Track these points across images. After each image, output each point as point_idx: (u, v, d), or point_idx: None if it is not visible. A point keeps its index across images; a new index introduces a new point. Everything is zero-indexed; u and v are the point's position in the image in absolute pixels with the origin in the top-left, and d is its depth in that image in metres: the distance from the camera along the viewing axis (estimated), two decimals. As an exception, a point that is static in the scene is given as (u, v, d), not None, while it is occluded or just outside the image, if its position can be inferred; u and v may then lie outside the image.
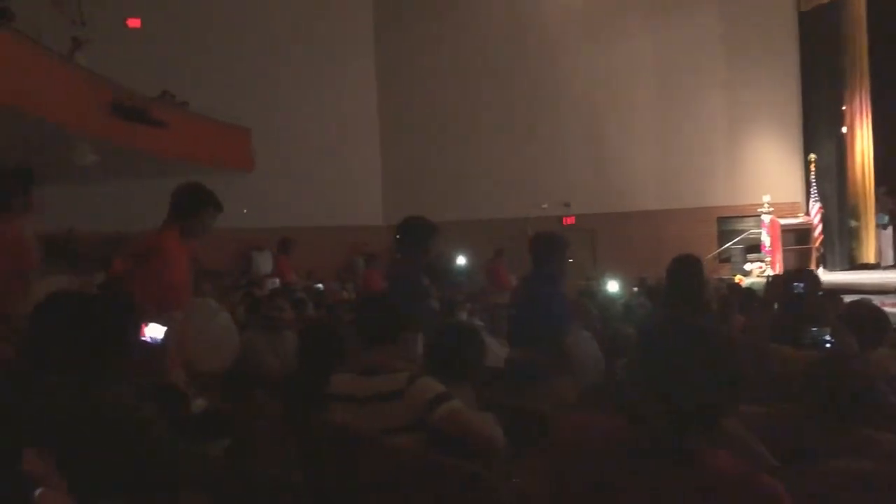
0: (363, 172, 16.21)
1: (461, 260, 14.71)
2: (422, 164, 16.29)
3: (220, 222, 4.19)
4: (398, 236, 4.58)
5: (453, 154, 16.12)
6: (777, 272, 12.86)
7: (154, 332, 3.06)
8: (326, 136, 15.41)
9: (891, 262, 14.29)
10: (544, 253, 4.76)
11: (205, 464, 2.43)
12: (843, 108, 14.79)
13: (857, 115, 14.65)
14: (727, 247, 15.36)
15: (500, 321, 6.87)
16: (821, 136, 15.29)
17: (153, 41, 13.88)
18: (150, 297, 3.64)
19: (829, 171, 14.94)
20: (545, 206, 15.78)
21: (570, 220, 15.95)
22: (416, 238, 4.50)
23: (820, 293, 5.02)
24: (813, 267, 14.01)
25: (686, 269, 4.52)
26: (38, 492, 1.81)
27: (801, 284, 4.58)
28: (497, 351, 5.13)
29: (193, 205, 4.01)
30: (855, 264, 14.69)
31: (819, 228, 14.50)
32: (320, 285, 9.44)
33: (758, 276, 13.40)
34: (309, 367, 3.29)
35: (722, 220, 15.96)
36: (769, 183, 15.27)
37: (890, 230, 14.39)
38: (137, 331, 2.44)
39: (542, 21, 16.14)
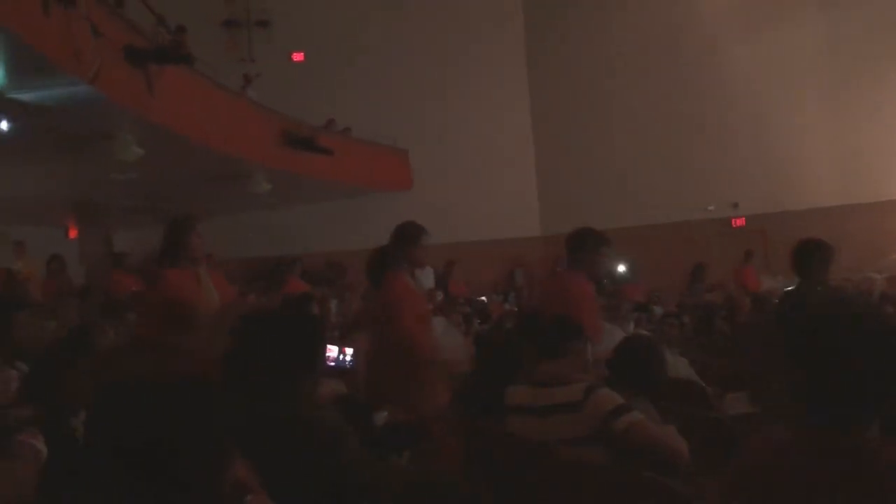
0: (519, 184, 16.23)
1: (622, 268, 14.40)
2: (578, 173, 16.08)
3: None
4: None
5: (610, 159, 15.78)
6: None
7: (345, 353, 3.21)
8: (482, 151, 15.60)
9: None
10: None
11: (393, 474, 2.50)
12: None
13: None
14: (921, 242, 14.02)
15: (670, 330, 6.66)
16: None
17: (316, 72, 14.72)
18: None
19: None
20: (711, 207, 15.11)
21: (739, 222, 15.15)
22: None
23: None
24: None
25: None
26: (248, 498, 1.94)
27: None
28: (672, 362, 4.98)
29: (589, 247, 4.19)
30: None
31: None
32: (483, 298, 9.54)
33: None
34: (485, 378, 3.33)
35: (913, 214, 14.58)
36: (969, 169, 13.81)
37: None
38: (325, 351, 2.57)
39: (700, 12, 15.51)
